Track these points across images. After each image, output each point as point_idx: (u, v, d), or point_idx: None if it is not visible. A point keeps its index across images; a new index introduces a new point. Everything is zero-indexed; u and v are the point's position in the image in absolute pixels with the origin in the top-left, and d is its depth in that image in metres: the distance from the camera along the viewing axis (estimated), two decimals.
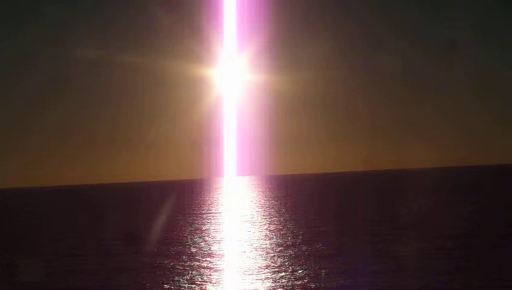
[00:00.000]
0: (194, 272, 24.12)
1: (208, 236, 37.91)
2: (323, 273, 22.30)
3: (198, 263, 26.54)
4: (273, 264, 25.03)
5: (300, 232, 37.12)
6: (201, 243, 34.11)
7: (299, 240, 33.06)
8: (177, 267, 25.81)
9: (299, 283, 20.83)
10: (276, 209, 60.87)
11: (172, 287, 21.23)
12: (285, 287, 20.13)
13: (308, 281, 20.96)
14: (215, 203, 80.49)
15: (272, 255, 27.91)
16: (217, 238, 36.30)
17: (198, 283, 21.86)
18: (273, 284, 20.75)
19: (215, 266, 25.50)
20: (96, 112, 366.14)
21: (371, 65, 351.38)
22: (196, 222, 49.86)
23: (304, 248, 29.75)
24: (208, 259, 27.68)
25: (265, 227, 41.72)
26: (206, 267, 25.26)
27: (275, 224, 43.70)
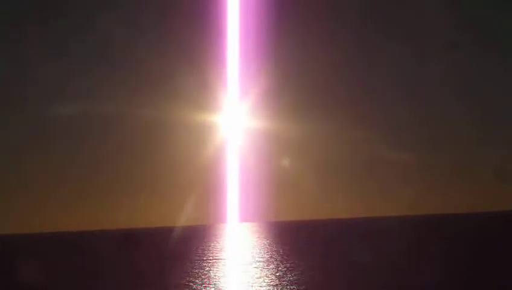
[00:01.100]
0: None
1: (216, 282, 38.84)
2: None
3: None
4: None
5: (306, 278, 38.06)
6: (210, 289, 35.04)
7: (305, 286, 34.05)
8: None
9: None
10: (281, 255, 61.65)
11: None
12: None
13: None
14: (219, 250, 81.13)
15: None
16: (225, 284, 37.23)
17: None
18: None
19: None
20: (94, 159, 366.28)
21: (378, 105, 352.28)
22: (202, 267, 50.69)
23: None
24: None
25: (270, 273, 42.60)
26: None
27: (280, 270, 44.56)
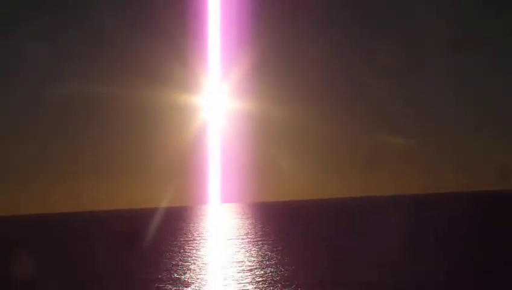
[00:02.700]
0: None
1: (198, 261, 38.12)
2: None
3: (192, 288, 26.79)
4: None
5: (285, 258, 37.50)
6: (193, 268, 34.30)
7: (289, 267, 33.46)
8: None
9: None
10: (261, 235, 61.14)
11: None
12: None
13: None
14: (201, 230, 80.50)
15: (259, 279, 28.24)
16: (207, 263, 36.52)
17: None
18: None
19: None
20: (76, 141, 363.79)
21: (361, 90, 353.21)
22: (184, 248, 49.95)
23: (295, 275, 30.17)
24: (202, 284, 27.93)
25: (256, 252, 41.99)
26: None
27: (259, 248, 43.98)
